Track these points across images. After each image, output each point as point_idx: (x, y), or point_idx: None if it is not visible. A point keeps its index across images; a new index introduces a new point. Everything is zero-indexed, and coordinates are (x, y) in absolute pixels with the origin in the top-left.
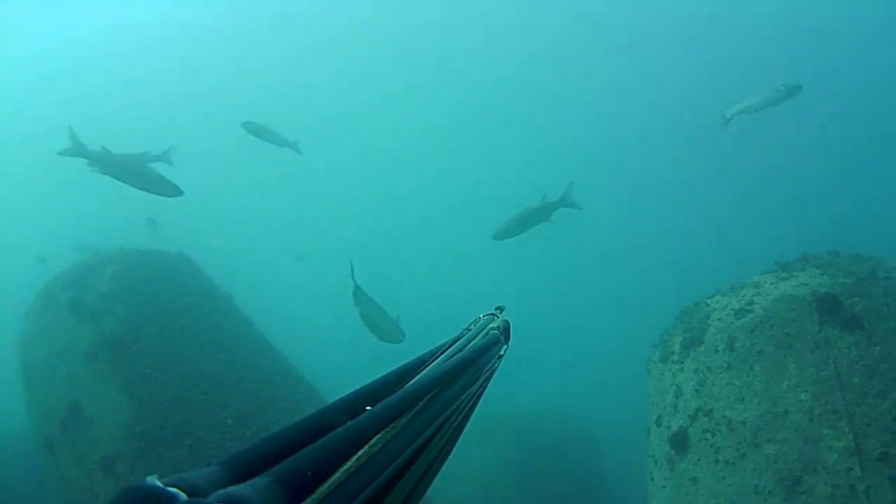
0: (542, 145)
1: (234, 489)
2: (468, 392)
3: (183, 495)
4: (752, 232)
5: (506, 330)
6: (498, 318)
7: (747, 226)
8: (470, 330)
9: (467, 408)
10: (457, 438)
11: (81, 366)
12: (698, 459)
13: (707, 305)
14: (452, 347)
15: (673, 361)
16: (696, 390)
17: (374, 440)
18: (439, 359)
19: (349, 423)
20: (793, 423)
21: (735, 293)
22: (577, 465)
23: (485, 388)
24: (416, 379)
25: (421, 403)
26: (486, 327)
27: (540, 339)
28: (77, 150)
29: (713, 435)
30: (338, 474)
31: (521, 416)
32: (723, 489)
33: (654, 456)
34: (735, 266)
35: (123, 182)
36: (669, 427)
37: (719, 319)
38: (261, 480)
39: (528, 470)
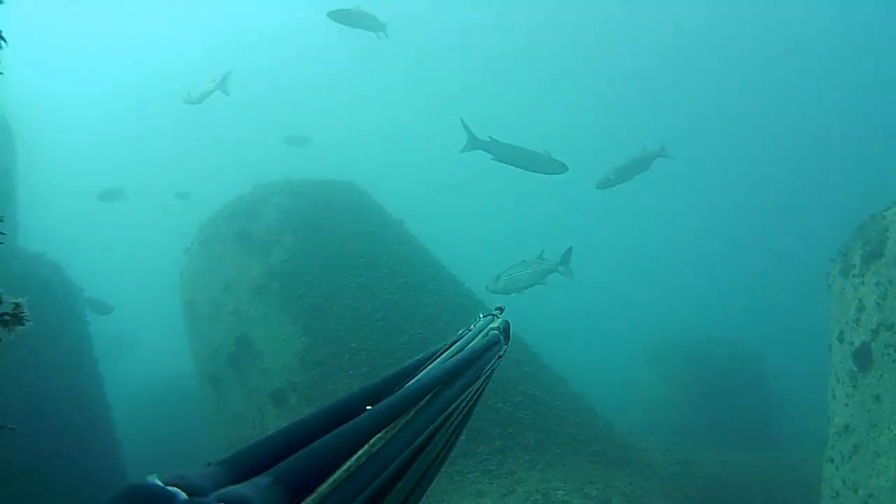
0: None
1: (234, 488)
2: (468, 392)
3: (183, 494)
4: None
5: (506, 330)
6: (498, 318)
7: None
8: (470, 330)
9: (467, 407)
10: (457, 438)
11: (250, 299)
12: (881, 375)
13: (885, 218)
14: (453, 347)
15: (854, 275)
16: (878, 304)
17: (374, 440)
18: (439, 359)
19: (349, 422)
20: None
21: None
22: (745, 387)
23: (485, 387)
24: (416, 379)
25: (421, 403)
26: (486, 328)
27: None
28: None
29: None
30: (338, 474)
31: (685, 343)
32: None
33: (835, 373)
34: None
35: (514, 166)
36: (852, 343)
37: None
38: (261, 480)
39: (694, 394)
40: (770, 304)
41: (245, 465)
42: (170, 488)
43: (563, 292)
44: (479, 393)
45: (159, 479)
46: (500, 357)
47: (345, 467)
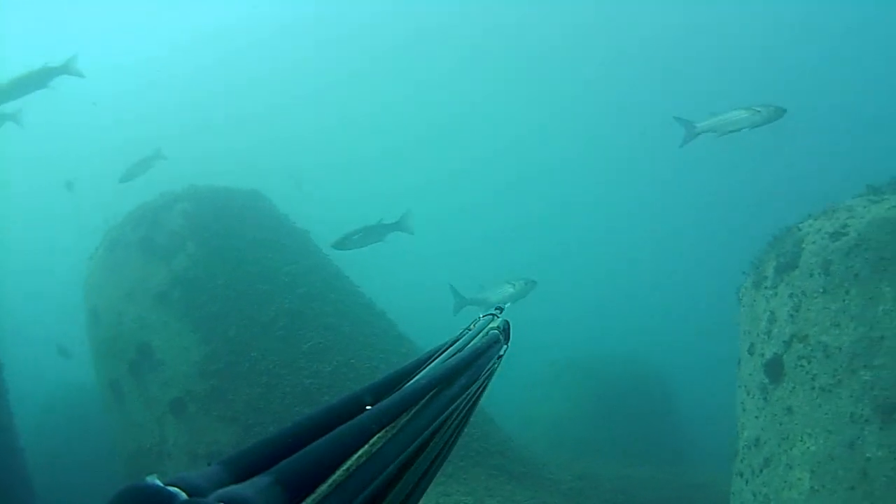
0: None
1: (234, 489)
2: (468, 392)
3: (183, 495)
4: (839, 158)
5: (505, 330)
6: (498, 318)
7: (835, 151)
8: (470, 329)
9: (467, 407)
10: (457, 438)
11: (152, 306)
12: (794, 387)
13: (800, 230)
14: (452, 347)
15: (766, 287)
16: (791, 316)
17: (374, 439)
18: (439, 358)
19: (349, 422)
20: (890, 348)
21: (828, 217)
22: (645, 404)
23: (485, 387)
24: (416, 378)
25: (421, 403)
26: (486, 327)
27: (607, 279)
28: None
29: (809, 361)
30: (338, 474)
31: (589, 358)
32: (819, 417)
33: (745, 386)
34: (824, 192)
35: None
36: (763, 355)
37: (814, 243)
38: (261, 480)
39: (598, 410)
40: (678, 319)
41: (245, 465)
42: (170, 488)
43: (469, 310)
44: (479, 393)
45: (159, 479)
46: (500, 357)
47: (345, 467)
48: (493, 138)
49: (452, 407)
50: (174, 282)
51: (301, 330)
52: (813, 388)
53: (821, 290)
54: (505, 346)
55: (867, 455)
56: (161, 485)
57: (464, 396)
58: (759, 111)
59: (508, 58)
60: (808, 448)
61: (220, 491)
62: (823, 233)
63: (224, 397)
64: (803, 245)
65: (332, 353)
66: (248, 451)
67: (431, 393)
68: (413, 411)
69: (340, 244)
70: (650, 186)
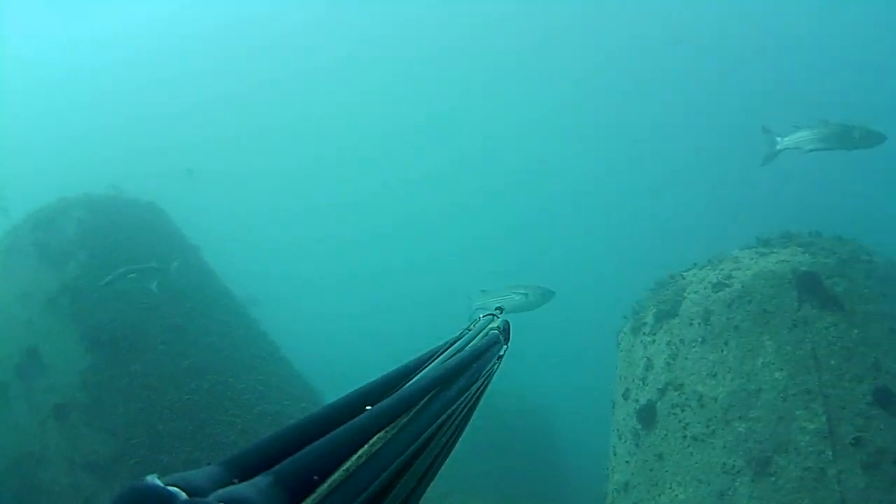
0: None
1: (234, 489)
2: (468, 392)
3: (183, 495)
4: (731, 208)
5: (505, 330)
6: (498, 318)
7: (727, 202)
8: (470, 330)
9: (467, 408)
10: (457, 438)
11: (42, 311)
12: (666, 434)
13: (683, 278)
14: (452, 348)
15: (644, 333)
16: (668, 363)
17: (374, 440)
18: (439, 359)
19: (349, 422)
20: (766, 401)
21: (713, 267)
22: (527, 440)
23: (485, 388)
24: (416, 378)
25: (421, 403)
26: (485, 328)
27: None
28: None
29: (683, 410)
30: (338, 474)
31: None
32: (690, 466)
33: (618, 430)
34: (713, 241)
35: (832, 149)
36: (637, 400)
37: (696, 292)
38: (261, 480)
39: (476, 444)
40: (563, 357)
41: (245, 465)
42: (170, 488)
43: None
44: (479, 393)
45: (159, 479)
46: (500, 357)
47: (345, 467)
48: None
49: (453, 408)
50: (64, 289)
51: (183, 346)
52: (685, 436)
53: (699, 340)
54: (505, 347)
55: None
56: (161, 485)
57: (464, 397)
58: (855, 131)
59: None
60: (677, 496)
61: (221, 491)
62: (707, 283)
63: (105, 409)
64: (685, 294)
65: (212, 371)
66: (248, 450)
67: (431, 393)
68: (413, 412)
69: (108, 283)
70: (540, 219)
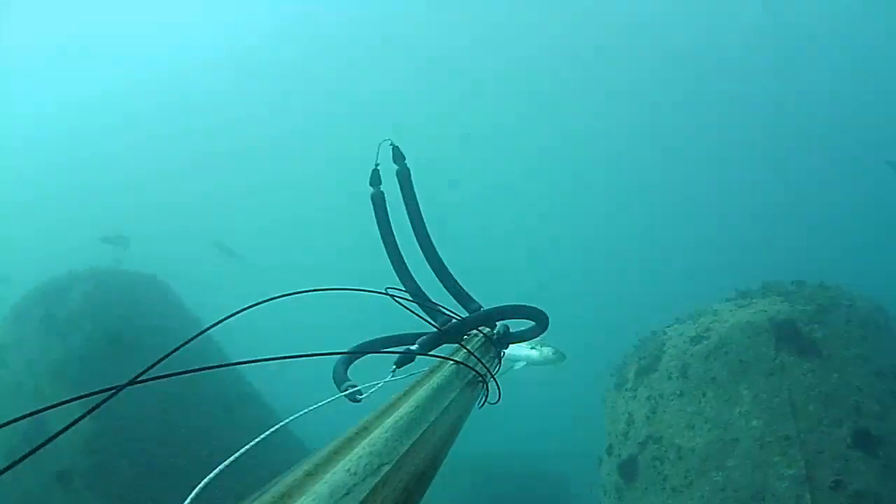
0: None
1: None
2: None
3: None
4: (715, 262)
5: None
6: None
7: (711, 255)
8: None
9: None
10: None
11: (48, 380)
12: (646, 488)
13: (664, 333)
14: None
15: (626, 389)
16: (648, 417)
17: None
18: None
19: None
20: (743, 450)
21: (693, 321)
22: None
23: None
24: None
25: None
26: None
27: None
28: None
29: (662, 462)
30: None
31: (484, 456)
32: None
33: (604, 486)
34: (699, 295)
35: None
36: (619, 455)
37: (674, 346)
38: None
39: None
40: (573, 417)
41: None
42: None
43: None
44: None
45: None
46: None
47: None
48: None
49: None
50: (70, 359)
51: (181, 413)
52: (664, 488)
53: (678, 393)
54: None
55: None
56: None
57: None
58: None
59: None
60: None
61: None
62: (686, 337)
63: (107, 473)
64: (665, 349)
65: (209, 437)
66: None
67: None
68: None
69: None
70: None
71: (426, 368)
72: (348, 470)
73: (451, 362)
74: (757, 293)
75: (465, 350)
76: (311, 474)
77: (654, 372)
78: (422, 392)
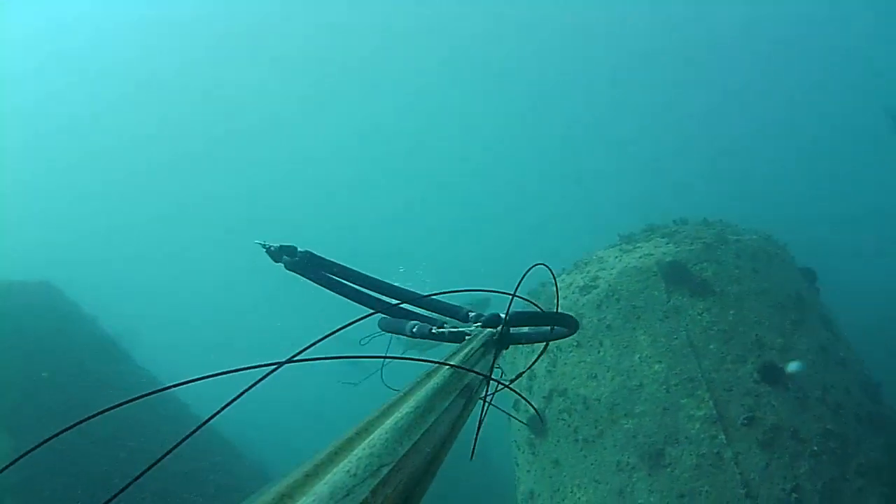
0: None
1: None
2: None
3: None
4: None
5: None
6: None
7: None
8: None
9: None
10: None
11: None
12: (558, 441)
13: (553, 286)
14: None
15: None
16: (549, 371)
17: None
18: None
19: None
20: (649, 395)
21: (580, 270)
22: None
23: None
24: None
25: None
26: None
27: None
28: None
29: (570, 415)
30: None
31: None
32: (585, 468)
33: (516, 441)
34: (581, 243)
35: None
36: (527, 410)
37: (564, 297)
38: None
39: None
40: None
41: None
42: None
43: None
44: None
45: None
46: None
47: None
48: None
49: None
50: None
51: (95, 418)
52: (576, 440)
53: (575, 345)
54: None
55: (639, 501)
56: None
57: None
58: None
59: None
60: (579, 499)
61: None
62: (574, 287)
63: (35, 488)
64: (556, 301)
65: (125, 438)
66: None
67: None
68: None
69: None
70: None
71: (426, 369)
72: (348, 471)
73: (453, 361)
74: (640, 236)
75: (465, 350)
76: (311, 475)
77: None
78: (422, 393)
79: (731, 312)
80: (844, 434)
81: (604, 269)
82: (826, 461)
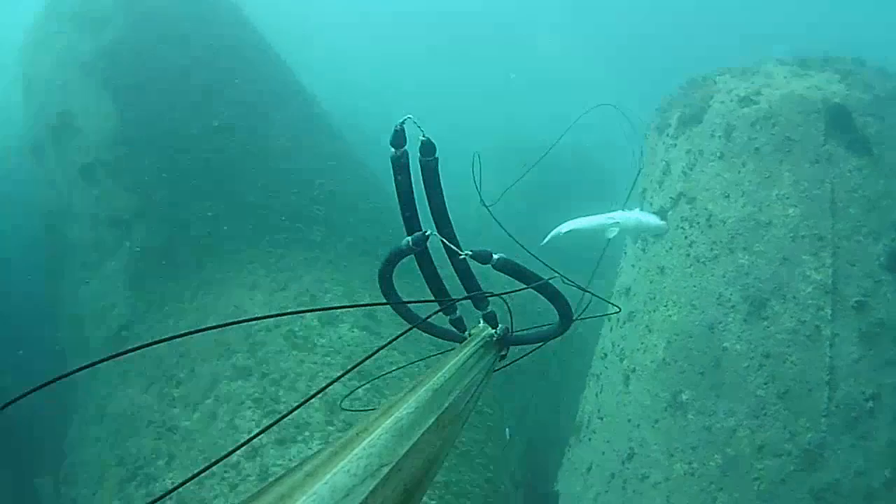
0: None
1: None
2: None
3: None
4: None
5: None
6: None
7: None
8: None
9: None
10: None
11: (78, 75)
12: (670, 248)
13: (714, 83)
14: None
15: (667, 135)
16: (685, 173)
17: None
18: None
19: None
20: (774, 237)
21: (745, 77)
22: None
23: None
24: None
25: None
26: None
27: None
28: None
29: (691, 226)
30: None
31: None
32: (687, 287)
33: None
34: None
35: None
36: (652, 203)
37: (721, 102)
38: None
39: None
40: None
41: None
42: None
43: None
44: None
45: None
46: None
47: None
48: None
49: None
50: (100, 53)
51: (214, 105)
52: (688, 255)
53: (718, 155)
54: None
55: (724, 345)
56: None
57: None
58: None
59: None
60: (670, 316)
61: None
62: (734, 95)
63: (130, 166)
64: (711, 102)
65: (240, 131)
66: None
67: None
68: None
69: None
70: None
71: (426, 369)
72: (348, 471)
73: (453, 361)
74: (815, 64)
75: (468, 348)
76: (311, 475)
77: (698, 124)
78: (422, 392)
79: (882, 182)
80: None
81: (768, 87)
82: None
